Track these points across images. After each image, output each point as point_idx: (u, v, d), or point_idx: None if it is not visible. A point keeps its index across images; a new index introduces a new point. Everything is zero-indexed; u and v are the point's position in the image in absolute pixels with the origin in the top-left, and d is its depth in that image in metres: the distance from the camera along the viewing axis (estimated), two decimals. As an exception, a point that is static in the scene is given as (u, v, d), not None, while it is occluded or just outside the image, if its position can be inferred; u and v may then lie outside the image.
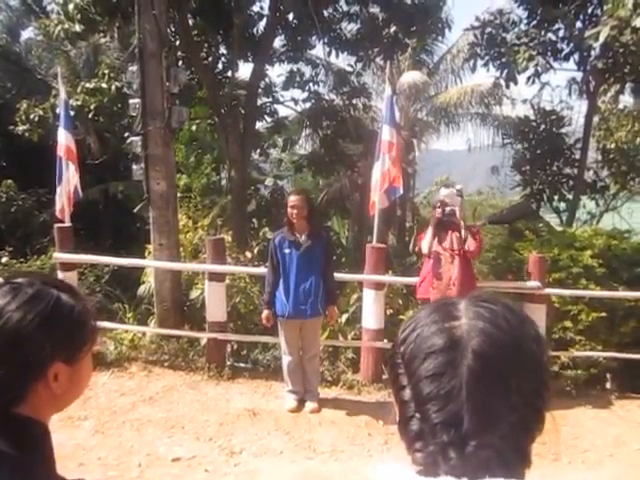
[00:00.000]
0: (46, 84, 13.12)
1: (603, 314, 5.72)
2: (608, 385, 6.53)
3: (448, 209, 4.79)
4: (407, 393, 0.74)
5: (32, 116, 9.52)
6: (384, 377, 5.36)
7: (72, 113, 7.82)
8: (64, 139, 5.99)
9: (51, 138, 6.63)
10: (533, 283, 5.35)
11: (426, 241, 4.90)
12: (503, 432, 0.69)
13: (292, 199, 4.65)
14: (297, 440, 4.35)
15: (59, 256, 5.84)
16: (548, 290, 5.48)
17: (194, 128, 12.01)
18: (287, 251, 4.62)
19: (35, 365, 0.95)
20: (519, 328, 0.74)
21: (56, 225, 6.05)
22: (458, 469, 0.68)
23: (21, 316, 0.94)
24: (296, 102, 11.08)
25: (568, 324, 5.79)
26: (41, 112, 9.52)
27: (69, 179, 6.04)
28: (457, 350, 0.72)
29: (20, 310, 0.95)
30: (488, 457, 0.68)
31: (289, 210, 4.60)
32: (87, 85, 9.81)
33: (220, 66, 10.48)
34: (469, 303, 0.77)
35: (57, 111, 6.78)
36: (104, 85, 9.75)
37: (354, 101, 10.81)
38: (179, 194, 9.87)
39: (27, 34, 17.23)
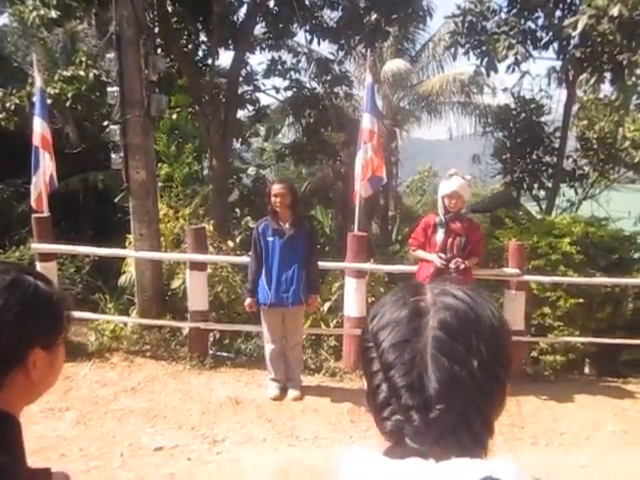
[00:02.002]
0: (22, 72, 12.84)
1: (581, 300, 5.83)
2: (586, 370, 6.68)
3: (453, 266, 4.62)
4: (375, 364, 0.77)
5: (8, 105, 9.30)
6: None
7: (49, 101, 7.67)
8: (39, 128, 5.88)
9: (28, 127, 6.49)
10: (512, 270, 5.41)
11: (422, 255, 4.89)
12: (465, 396, 0.71)
13: (275, 187, 4.64)
14: (280, 428, 4.38)
15: (37, 247, 5.76)
16: (527, 277, 5.55)
17: (175, 117, 11.86)
18: (270, 239, 4.62)
19: (17, 351, 0.95)
20: (481, 305, 0.78)
21: (34, 215, 5.95)
22: (422, 431, 0.70)
23: (2, 303, 0.93)
24: (277, 90, 10.99)
25: (547, 310, 5.90)
26: (17, 101, 9.31)
27: (45, 169, 5.94)
28: (421, 319, 0.75)
29: (0, 297, 0.94)
30: (452, 421, 0.70)
31: (272, 199, 4.59)
32: (64, 73, 9.59)
33: (200, 54, 10.32)
34: (435, 284, 0.81)
35: (33, 99, 6.64)
36: (82, 73, 9.54)
37: (336, 89, 10.77)
38: (160, 183, 9.77)
39: (2, 20, 16.89)
